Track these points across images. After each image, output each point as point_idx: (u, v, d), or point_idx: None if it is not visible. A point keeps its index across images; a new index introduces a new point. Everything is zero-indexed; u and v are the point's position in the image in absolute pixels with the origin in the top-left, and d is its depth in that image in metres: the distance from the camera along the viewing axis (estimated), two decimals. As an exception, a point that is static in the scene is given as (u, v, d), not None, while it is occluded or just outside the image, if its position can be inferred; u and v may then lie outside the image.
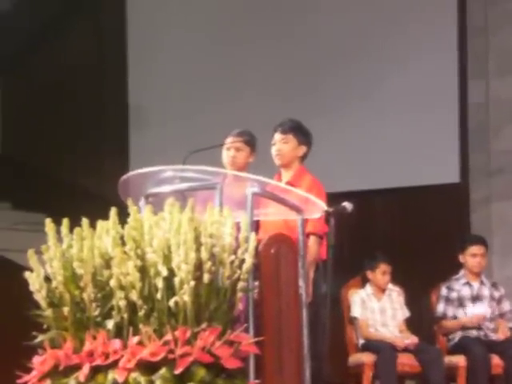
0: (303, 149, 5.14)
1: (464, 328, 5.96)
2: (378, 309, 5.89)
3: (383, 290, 5.92)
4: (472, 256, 6.02)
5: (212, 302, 3.52)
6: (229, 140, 5.11)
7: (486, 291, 6.06)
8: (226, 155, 5.09)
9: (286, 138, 5.12)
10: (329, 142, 7.10)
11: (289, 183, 5.06)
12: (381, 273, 5.88)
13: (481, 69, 7.48)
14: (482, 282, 6.08)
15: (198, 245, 3.54)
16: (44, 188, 8.27)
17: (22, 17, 8.63)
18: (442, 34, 7.57)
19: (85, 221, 3.72)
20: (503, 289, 6.13)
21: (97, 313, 3.59)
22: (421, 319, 6.13)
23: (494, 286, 6.13)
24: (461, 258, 6.09)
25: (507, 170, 7.34)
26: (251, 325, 3.78)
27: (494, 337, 5.96)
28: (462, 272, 6.11)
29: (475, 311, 5.94)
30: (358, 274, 6.01)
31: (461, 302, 6.03)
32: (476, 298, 6.03)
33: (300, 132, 5.15)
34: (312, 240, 4.84)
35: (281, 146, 5.12)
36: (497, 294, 6.08)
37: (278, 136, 5.14)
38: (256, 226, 4.69)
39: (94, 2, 8.88)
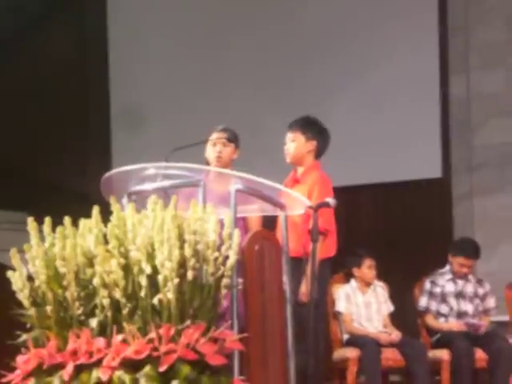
0: (313, 144, 5.17)
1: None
2: (362, 303, 5.91)
3: (368, 285, 5.94)
4: (459, 265, 6.03)
5: (196, 299, 3.51)
6: (214, 135, 5.08)
7: (470, 288, 6.08)
8: (212, 151, 5.04)
9: (294, 135, 5.19)
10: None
11: (296, 180, 5.11)
12: (367, 267, 5.90)
13: (462, 64, 7.50)
14: (467, 279, 6.10)
15: (182, 242, 3.53)
16: (26, 187, 8.24)
17: (3, 14, 8.58)
18: (423, 29, 7.59)
19: (67, 219, 3.70)
20: (488, 285, 6.14)
21: (80, 311, 3.57)
22: (404, 313, 6.15)
23: (479, 282, 6.15)
24: (449, 257, 6.09)
25: (489, 165, 7.37)
26: (235, 321, 3.78)
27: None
28: (447, 267, 6.12)
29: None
30: (341, 271, 6.02)
31: (444, 298, 6.05)
32: (459, 295, 6.05)
33: (308, 128, 5.18)
34: None
35: (288, 144, 5.19)
36: (481, 291, 6.10)
37: (288, 135, 5.20)
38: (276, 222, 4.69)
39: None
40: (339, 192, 5.11)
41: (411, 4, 7.62)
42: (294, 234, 4.65)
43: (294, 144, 5.17)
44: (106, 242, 3.61)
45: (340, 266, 5.92)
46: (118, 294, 3.49)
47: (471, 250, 6.06)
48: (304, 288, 4.87)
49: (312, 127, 5.20)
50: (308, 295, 4.71)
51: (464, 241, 6.23)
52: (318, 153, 5.21)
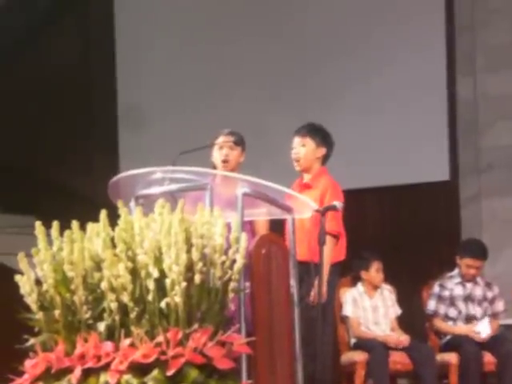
0: (322, 150, 5.19)
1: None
2: (370, 307, 5.89)
3: (376, 288, 5.93)
4: (467, 266, 6.01)
5: (203, 302, 3.52)
6: (221, 139, 5.06)
7: (478, 291, 6.06)
8: (219, 154, 5.02)
9: (304, 140, 5.18)
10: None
11: (306, 185, 5.11)
12: (375, 270, 5.89)
13: (469, 66, 7.48)
14: (475, 282, 6.07)
15: (189, 246, 3.53)
16: (33, 190, 8.24)
17: (8, 16, 8.59)
18: (429, 31, 7.57)
19: (75, 223, 3.70)
20: (497, 288, 6.11)
21: (88, 315, 3.58)
22: (412, 317, 6.14)
23: (488, 285, 6.11)
24: (457, 259, 6.07)
25: (496, 167, 7.35)
26: (243, 325, 3.77)
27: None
28: (456, 270, 6.09)
29: (479, 328, 5.91)
30: (348, 275, 6.00)
31: (452, 302, 6.03)
32: (468, 298, 6.03)
33: (317, 133, 5.19)
34: (327, 240, 4.77)
35: (298, 149, 5.18)
36: (490, 295, 6.07)
37: (296, 140, 5.20)
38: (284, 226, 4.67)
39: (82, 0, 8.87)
40: (345, 195, 5.12)
41: (417, 3, 7.60)
42: (304, 238, 4.64)
43: (305, 149, 5.17)
44: (114, 246, 3.61)
45: (347, 270, 5.91)
46: (125, 298, 3.49)
47: (478, 250, 6.04)
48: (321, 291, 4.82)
49: (319, 133, 5.22)
50: (317, 298, 4.71)
51: (471, 242, 6.22)
52: (325, 159, 5.22)
